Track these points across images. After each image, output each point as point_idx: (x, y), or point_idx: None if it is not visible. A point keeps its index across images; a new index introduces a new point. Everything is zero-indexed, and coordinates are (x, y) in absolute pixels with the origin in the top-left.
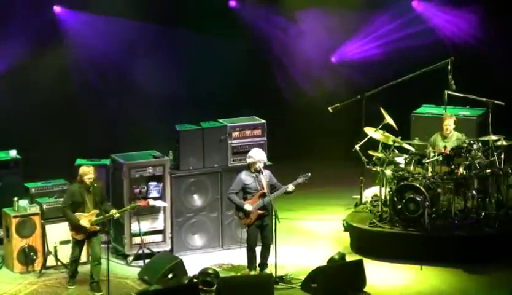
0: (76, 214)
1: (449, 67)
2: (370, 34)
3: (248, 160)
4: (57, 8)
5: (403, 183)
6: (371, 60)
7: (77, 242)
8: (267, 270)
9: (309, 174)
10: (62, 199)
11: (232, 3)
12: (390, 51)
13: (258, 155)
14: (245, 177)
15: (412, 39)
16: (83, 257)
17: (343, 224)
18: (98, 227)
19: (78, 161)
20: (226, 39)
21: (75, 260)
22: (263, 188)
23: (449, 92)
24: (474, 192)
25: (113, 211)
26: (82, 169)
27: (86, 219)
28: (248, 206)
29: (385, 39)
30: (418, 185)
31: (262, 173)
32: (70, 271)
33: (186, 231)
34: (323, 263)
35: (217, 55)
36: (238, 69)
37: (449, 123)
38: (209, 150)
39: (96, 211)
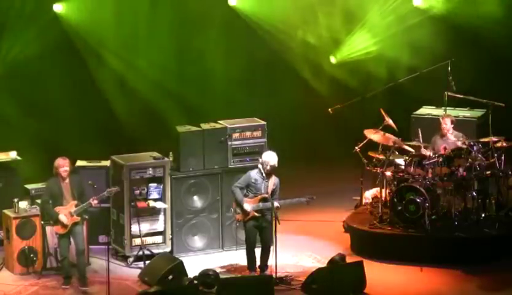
0: (55, 208)
1: (449, 68)
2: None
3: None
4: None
5: (403, 184)
6: (370, 59)
7: (62, 237)
8: (268, 272)
9: (314, 197)
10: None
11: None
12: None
13: (265, 157)
14: (255, 175)
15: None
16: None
17: (343, 225)
18: (78, 218)
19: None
20: (227, 39)
21: (63, 259)
22: (267, 193)
23: (449, 93)
24: (474, 193)
25: (91, 198)
26: (57, 162)
27: (65, 211)
28: (247, 206)
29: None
30: (418, 187)
31: (270, 177)
32: (64, 272)
33: (186, 232)
34: (324, 264)
35: (217, 54)
36: (239, 68)
37: (445, 122)
38: (209, 152)
39: (75, 202)
